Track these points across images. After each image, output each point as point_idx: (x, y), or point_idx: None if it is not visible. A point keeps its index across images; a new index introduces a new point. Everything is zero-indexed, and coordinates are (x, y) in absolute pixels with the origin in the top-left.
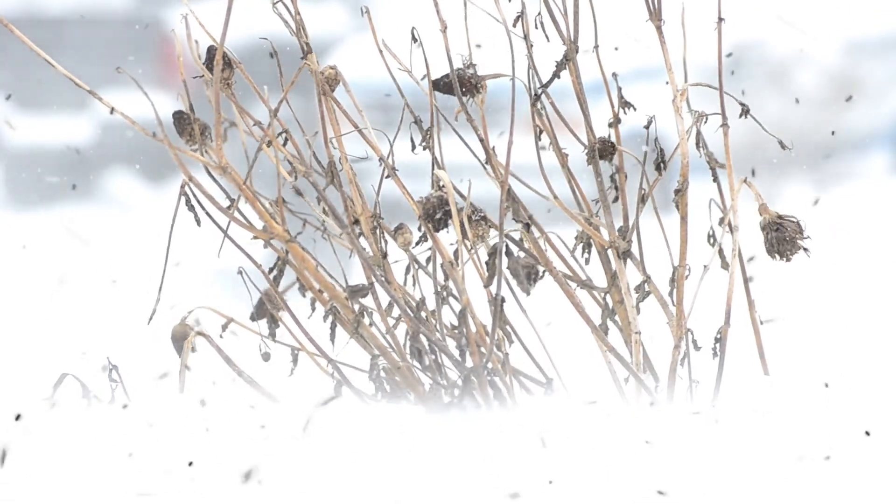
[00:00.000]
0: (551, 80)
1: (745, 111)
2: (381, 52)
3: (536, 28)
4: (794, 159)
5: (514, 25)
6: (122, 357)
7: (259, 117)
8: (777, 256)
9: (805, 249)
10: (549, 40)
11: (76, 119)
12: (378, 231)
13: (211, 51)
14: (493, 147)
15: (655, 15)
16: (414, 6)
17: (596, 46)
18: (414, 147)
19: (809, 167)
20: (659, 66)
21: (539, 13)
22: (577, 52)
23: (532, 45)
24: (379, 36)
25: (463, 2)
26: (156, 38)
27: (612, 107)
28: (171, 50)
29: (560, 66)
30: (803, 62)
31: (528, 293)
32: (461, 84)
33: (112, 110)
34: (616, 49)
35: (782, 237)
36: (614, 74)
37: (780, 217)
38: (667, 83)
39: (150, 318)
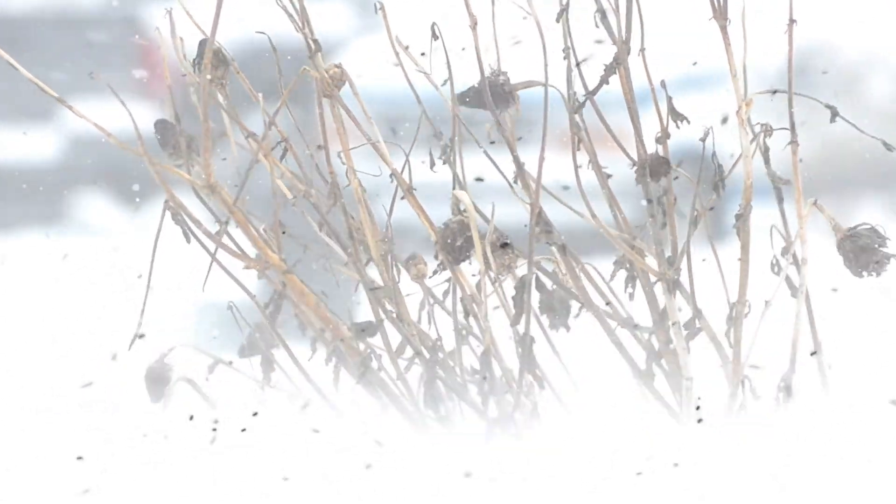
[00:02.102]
0: (598, 88)
1: (835, 114)
2: (396, 53)
3: (597, 26)
4: (865, 180)
5: (558, 21)
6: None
7: (253, 129)
8: (863, 272)
9: (891, 257)
10: (603, 31)
11: (41, 132)
12: (389, 258)
13: (201, 46)
14: (523, 163)
15: (720, 13)
16: (432, 3)
17: (642, 49)
18: (433, 164)
19: (882, 189)
20: (711, 74)
21: (597, 10)
22: (629, 53)
23: (572, 48)
24: (392, 36)
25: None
26: (136, 39)
27: (661, 119)
28: (153, 53)
29: (609, 71)
30: (877, 68)
31: (568, 329)
32: (492, 93)
33: (97, 126)
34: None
35: (860, 247)
36: (663, 82)
37: (852, 229)
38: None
39: (131, 345)
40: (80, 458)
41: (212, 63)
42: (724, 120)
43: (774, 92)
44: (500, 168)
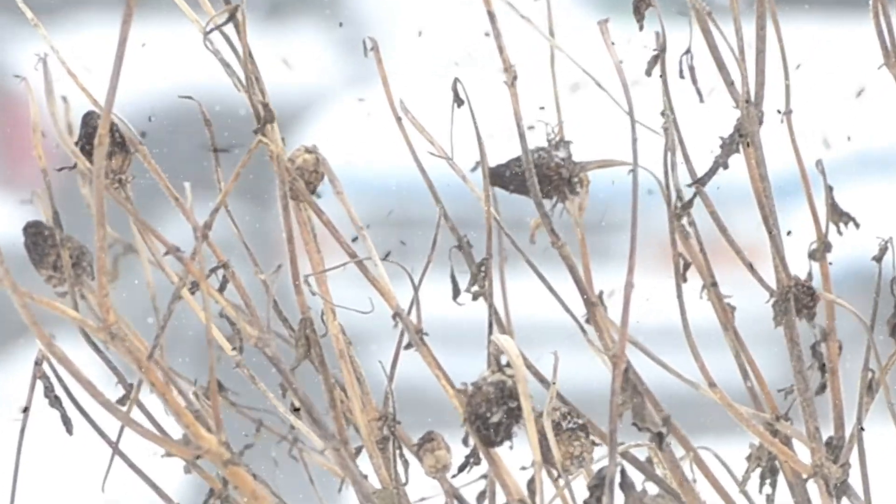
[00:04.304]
0: (711, 174)
1: None
2: (398, 119)
3: (682, 76)
4: None
5: (649, 73)
6: None
7: (178, 238)
8: None
9: None
10: (701, 100)
11: None
12: (392, 444)
13: (90, 120)
14: (601, 294)
15: (894, 57)
16: (449, 39)
17: (788, 112)
18: (457, 293)
19: None
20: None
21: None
22: (761, 122)
23: (671, 115)
24: (396, 92)
25: (549, 34)
26: None
27: (816, 223)
28: (20, 116)
29: (729, 148)
30: None
31: None
32: (543, 178)
33: None
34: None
35: None
36: (819, 164)
37: None
38: None
39: None
40: None
41: (108, 149)
42: None
43: None
44: (563, 300)
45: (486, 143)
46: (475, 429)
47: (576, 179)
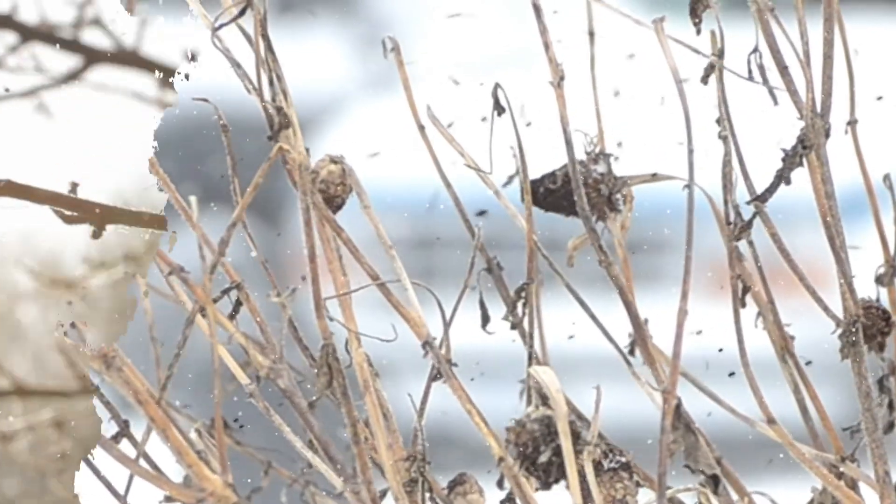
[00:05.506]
0: (773, 190)
1: None
2: (421, 128)
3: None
4: None
5: (705, 81)
6: None
7: (185, 259)
8: None
9: None
10: (776, 102)
11: None
12: (421, 487)
13: None
14: (646, 320)
15: None
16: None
17: (852, 122)
18: (487, 320)
19: None
20: None
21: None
22: (827, 134)
23: (728, 120)
24: (420, 97)
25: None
26: None
27: (884, 244)
28: None
29: (792, 160)
30: None
31: None
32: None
33: None
34: None
35: None
36: (886, 178)
37: None
38: None
39: None
40: None
41: None
42: None
43: None
44: (605, 328)
45: (507, 153)
46: (524, 471)
47: (618, 196)
